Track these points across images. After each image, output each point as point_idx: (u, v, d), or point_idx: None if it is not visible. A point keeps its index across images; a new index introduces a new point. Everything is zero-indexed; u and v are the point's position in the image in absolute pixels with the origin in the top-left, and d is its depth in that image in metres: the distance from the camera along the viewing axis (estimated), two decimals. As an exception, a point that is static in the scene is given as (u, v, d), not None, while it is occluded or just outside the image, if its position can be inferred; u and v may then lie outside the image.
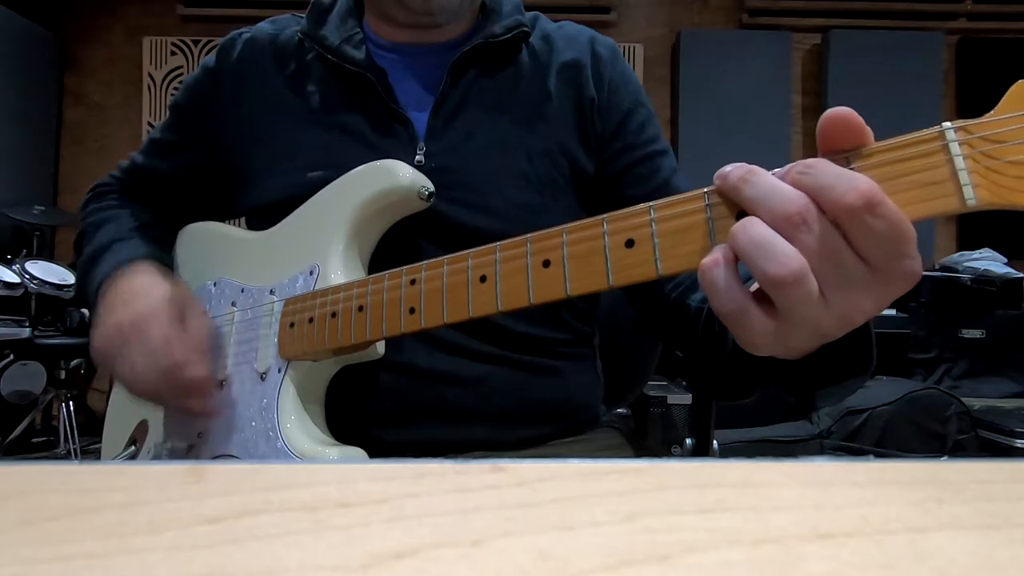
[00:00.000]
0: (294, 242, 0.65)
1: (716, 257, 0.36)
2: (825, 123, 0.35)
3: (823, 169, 0.34)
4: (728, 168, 0.37)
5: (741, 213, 0.37)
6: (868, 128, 0.35)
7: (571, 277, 0.42)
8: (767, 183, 0.35)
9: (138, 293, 0.62)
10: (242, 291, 0.66)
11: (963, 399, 2.17)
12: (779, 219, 0.34)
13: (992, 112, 0.33)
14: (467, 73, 0.70)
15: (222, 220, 0.79)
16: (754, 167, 0.36)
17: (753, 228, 0.35)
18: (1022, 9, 3.53)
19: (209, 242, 0.75)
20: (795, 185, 0.35)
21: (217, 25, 3.52)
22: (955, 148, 0.33)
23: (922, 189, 0.33)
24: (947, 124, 0.33)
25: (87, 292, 0.70)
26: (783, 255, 0.34)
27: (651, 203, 0.40)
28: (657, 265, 0.39)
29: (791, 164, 0.36)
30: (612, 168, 0.73)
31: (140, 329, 0.58)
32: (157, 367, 0.57)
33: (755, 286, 0.36)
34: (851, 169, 0.35)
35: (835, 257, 0.34)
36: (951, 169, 0.33)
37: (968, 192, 0.32)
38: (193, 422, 0.65)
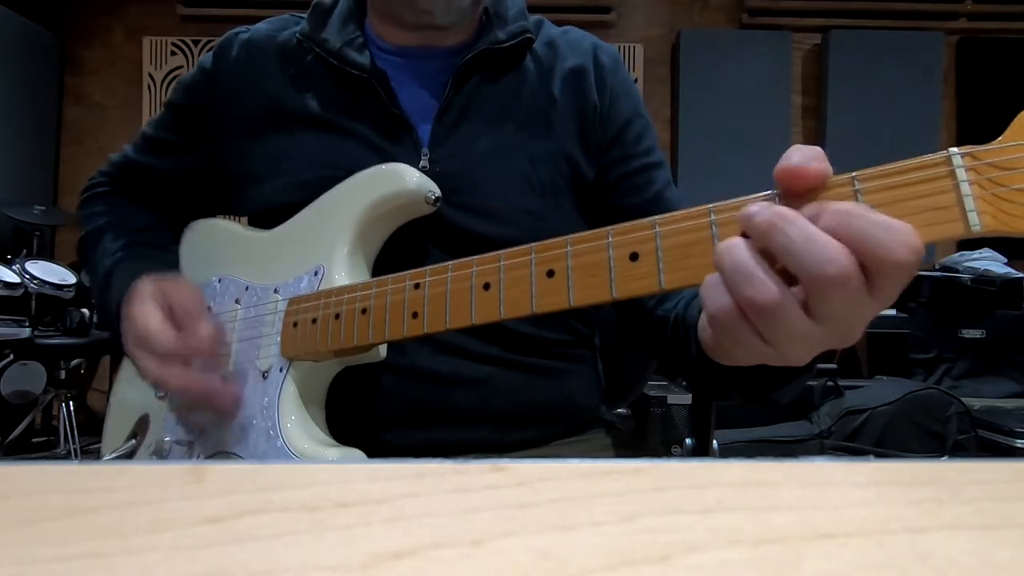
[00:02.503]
0: (300, 242, 0.65)
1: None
2: (778, 176, 0.35)
3: (865, 217, 0.32)
4: (754, 209, 0.35)
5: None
6: (820, 169, 0.35)
7: (574, 288, 0.42)
8: (801, 233, 0.33)
9: (132, 306, 0.63)
10: (246, 289, 0.67)
11: (963, 399, 2.16)
12: (814, 278, 0.33)
13: (999, 139, 0.33)
14: (471, 79, 0.70)
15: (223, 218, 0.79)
16: (785, 212, 0.34)
17: (736, 251, 0.35)
18: (1022, 9, 3.52)
19: (215, 239, 0.75)
20: (835, 232, 0.33)
21: (217, 25, 3.52)
22: (961, 174, 0.33)
23: (927, 213, 0.34)
24: (954, 150, 0.34)
25: (110, 322, 0.72)
26: (762, 286, 0.34)
27: (655, 217, 0.40)
28: (660, 279, 0.39)
29: (824, 206, 0.34)
30: (608, 176, 0.73)
31: (137, 335, 0.61)
32: (164, 351, 0.59)
33: None
34: (856, 191, 0.35)
35: (856, 304, 0.34)
36: (957, 195, 0.33)
37: (973, 218, 0.33)
38: (193, 418, 0.65)
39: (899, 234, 0.32)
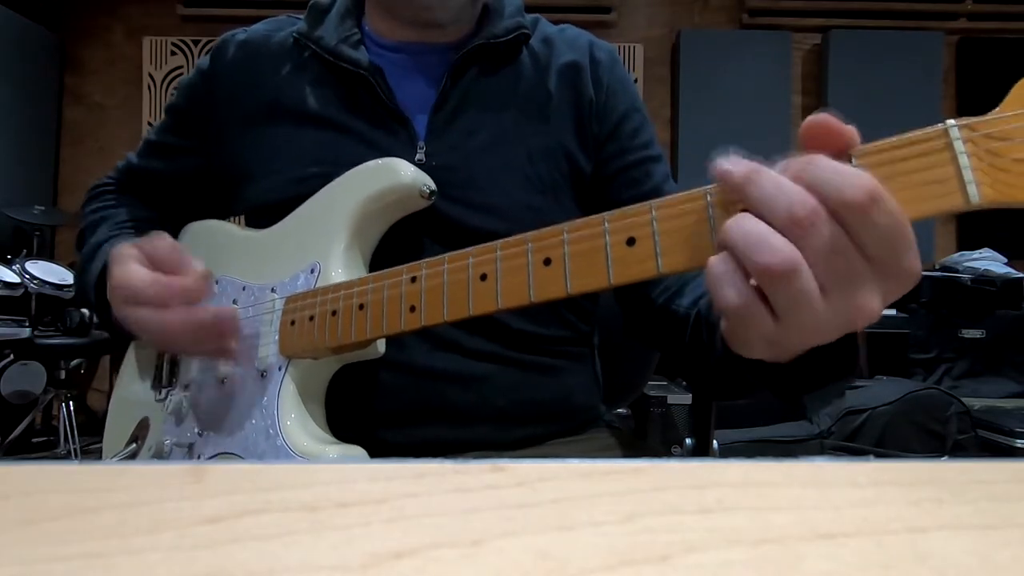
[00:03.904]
0: (295, 240, 0.65)
1: (724, 254, 0.36)
2: (807, 130, 0.36)
3: (824, 165, 0.34)
4: (729, 164, 0.36)
5: (743, 211, 0.36)
6: (850, 129, 0.35)
7: (572, 275, 0.42)
8: (773, 183, 0.34)
9: (113, 265, 0.62)
10: (243, 289, 0.66)
11: (963, 399, 2.16)
12: (784, 221, 0.34)
13: (997, 110, 0.33)
14: (468, 73, 0.70)
15: (221, 219, 0.79)
16: (757, 166, 0.36)
17: (745, 222, 0.35)
18: (1022, 9, 3.52)
19: (211, 240, 0.75)
20: (797, 181, 0.34)
21: (217, 25, 3.52)
22: (959, 146, 0.33)
23: (925, 187, 0.33)
24: (951, 122, 0.33)
25: (86, 291, 0.73)
26: (771, 247, 0.34)
27: (652, 201, 0.40)
28: (658, 262, 0.39)
29: (789, 160, 0.35)
30: (605, 170, 0.73)
31: (126, 294, 0.59)
32: (156, 296, 0.58)
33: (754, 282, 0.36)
34: (854, 166, 0.35)
35: (841, 257, 0.34)
36: (955, 167, 0.33)
37: (972, 190, 0.32)
38: (194, 420, 0.65)
39: (851, 176, 0.33)
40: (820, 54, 3.58)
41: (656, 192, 0.73)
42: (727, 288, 0.36)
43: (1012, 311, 2.75)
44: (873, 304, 0.35)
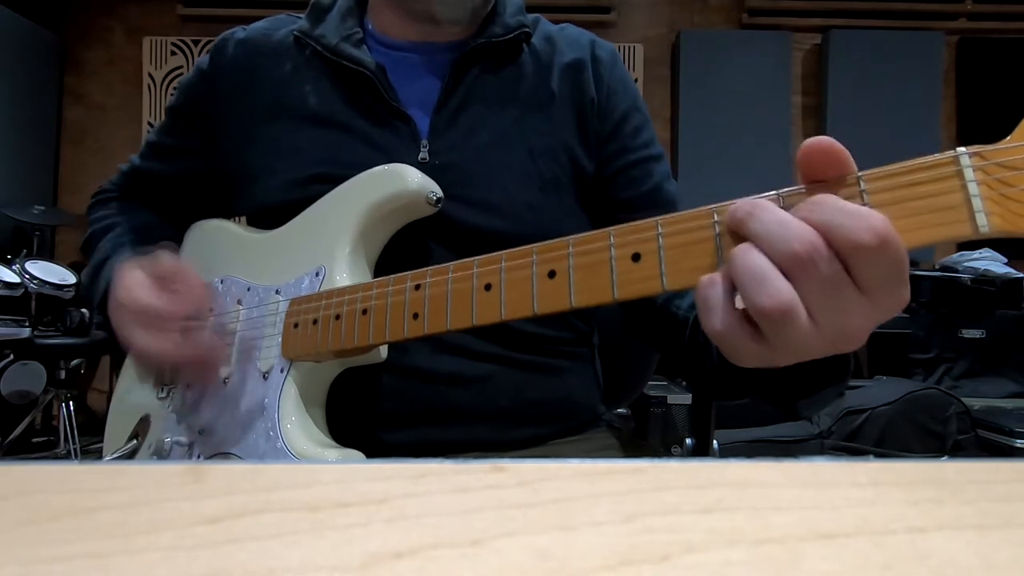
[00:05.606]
0: (301, 243, 0.65)
1: (714, 277, 0.37)
2: (806, 154, 0.36)
3: (833, 205, 0.34)
4: (737, 203, 0.37)
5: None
6: (849, 157, 0.35)
7: (576, 289, 0.42)
8: (774, 218, 0.35)
9: (119, 284, 0.63)
10: (248, 290, 0.67)
11: (963, 399, 2.16)
12: (784, 256, 0.34)
13: (1008, 139, 0.33)
14: (470, 71, 0.70)
15: (225, 219, 0.79)
16: (760, 201, 0.36)
17: (750, 256, 0.35)
18: (1022, 9, 3.53)
19: (217, 240, 0.75)
20: (807, 221, 0.34)
21: (217, 25, 3.51)
22: (969, 174, 0.33)
23: (934, 214, 0.33)
24: (961, 149, 0.33)
25: (91, 308, 0.73)
26: (774, 288, 0.34)
27: (658, 218, 0.40)
28: (663, 280, 0.39)
29: (802, 203, 0.35)
30: (606, 170, 0.73)
31: (133, 314, 0.60)
32: (140, 323, 0.59)
33: (741, 303, 0.37)
34: (862, 191, 0.35)
35: (836, 291, 0.34)
36: (965, 195, 0.33)
37: (981, 219, 0.32)
38: (194, 419, 0.65)
39: (863, 219, 0.33)
40: (820, 54, 3.58)
41: (657, 191, 0.73)
42: (711, 315, 0.37)
43: (1012, 311, 2.75)
44: (860, 332, 0.36)
